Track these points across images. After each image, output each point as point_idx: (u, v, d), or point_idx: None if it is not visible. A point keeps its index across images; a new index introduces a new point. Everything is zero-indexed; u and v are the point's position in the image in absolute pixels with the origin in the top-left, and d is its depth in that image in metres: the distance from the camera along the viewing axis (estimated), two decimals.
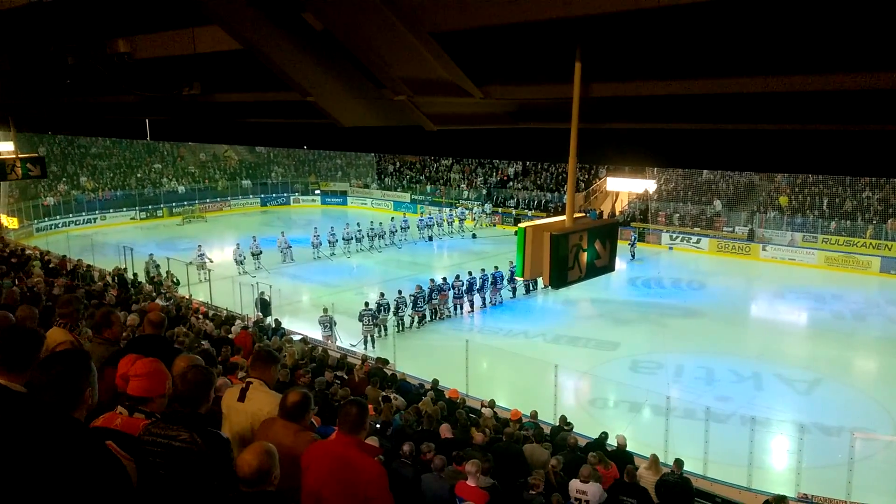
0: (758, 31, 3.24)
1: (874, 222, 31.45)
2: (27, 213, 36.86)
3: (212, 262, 26.08)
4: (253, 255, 28.30)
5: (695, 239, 34.40)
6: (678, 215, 36.11)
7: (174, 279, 23.52)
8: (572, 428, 11.54)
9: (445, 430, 9.46)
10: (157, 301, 16.25)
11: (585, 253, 4.03)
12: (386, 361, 14.88)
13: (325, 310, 19.22)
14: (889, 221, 31.05)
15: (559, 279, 3.87)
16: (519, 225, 4.08)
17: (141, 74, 6.12)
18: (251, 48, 4.35)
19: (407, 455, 7.48)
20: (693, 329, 21.89)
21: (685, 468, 10.14)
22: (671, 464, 9.96)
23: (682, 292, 26.86)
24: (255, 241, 28.89)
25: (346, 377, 12.17)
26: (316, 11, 3.93)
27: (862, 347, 21.09)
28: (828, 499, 11.19)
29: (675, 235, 34.95)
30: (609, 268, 4.25)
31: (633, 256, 30.84)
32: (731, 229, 34.39)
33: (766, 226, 33.88)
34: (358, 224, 33.43)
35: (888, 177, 28.61)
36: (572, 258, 3.92)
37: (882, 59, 3.10)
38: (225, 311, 19.38)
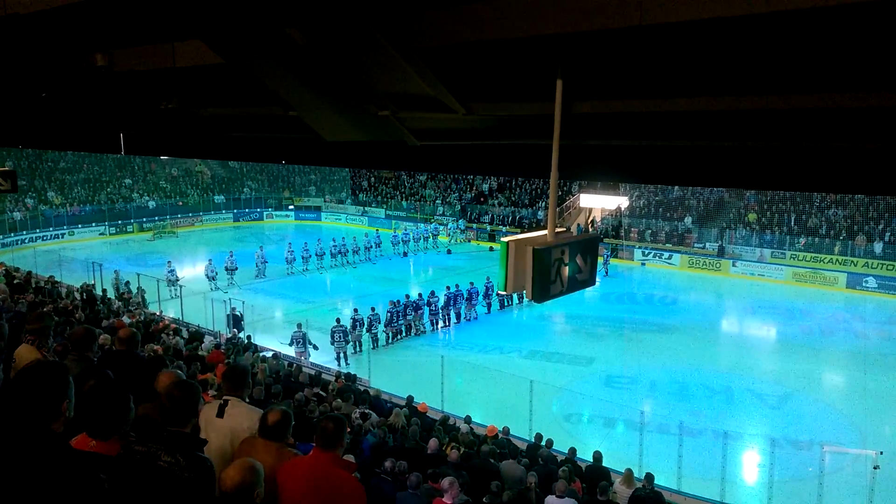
0: (739, 51, 3.33)
1: (841, 238, 32.18)
2: None
3: (180, 279, 25.73)
4: (227, 270, 27.97)
5: (667, 255, 34.86)
6: (650, 231, 36.57)
7: (143, 295, 23.17)
8: (551, 445, 11.58)
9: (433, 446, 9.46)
10: (124, 318, 15.98)
11: (567, 267, 4.07)
12: (352, 377, 14.70)
13: (300, 325, 19.05)
14: (857, 237, 31.77)
15: (542, 293, 3.89)
16: (502, 239, 4.11)
17: (118, 88, 6.06)
18: (234, 63, 4.34)
19: (388, 471, 7.44)
20: (666, 344, 22.11)
21: (659, 482, 10.21)
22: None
23: (655, 308, 27.16)
24: (231, 256, 28.59)
25: (323, 395, 12.05)
26: (300, 27, 3.95)
27: (830, 362, 21.48)
28: None
29: (647, 251, 35.37)
30: (590, 282, 4.29)
31: (605, 272, 31.12)
32: (701, 245, 34.93)
33: (735, 242, 34.46)
34: (333, 239, 33.33)
35: (865, 193, 29.36)
36: (554, 272, 3.96)
37: (860, 80, 3.21)
38: (196, 327, 19.11)
